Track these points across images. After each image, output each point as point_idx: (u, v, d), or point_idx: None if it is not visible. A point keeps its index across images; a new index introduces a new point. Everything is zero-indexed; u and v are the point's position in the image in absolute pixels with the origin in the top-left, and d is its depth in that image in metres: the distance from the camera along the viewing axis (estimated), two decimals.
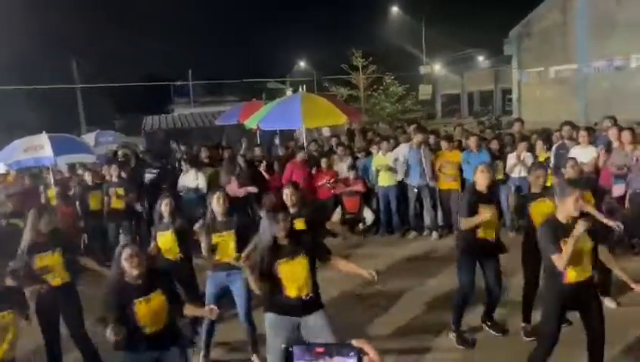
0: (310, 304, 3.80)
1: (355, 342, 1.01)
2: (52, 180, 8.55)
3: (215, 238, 4.66)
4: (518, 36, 25.15)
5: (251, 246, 4.14)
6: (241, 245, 4.55)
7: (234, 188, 8.09)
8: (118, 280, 3.57)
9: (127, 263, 3.51)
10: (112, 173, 8.24)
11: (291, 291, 3.75)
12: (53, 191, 8.36)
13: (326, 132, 9.80)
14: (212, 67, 35.21)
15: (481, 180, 4.83)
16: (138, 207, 8.48)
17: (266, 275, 3.77)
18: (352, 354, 0.98)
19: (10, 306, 3.54)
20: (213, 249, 4.67)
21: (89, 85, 29.95)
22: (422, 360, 4.67)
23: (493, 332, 4.99)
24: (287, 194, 5.16)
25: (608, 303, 5.26)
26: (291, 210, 4.74)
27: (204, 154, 9.49)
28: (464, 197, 5.09)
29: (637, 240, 6.79)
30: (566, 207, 3.71)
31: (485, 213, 4.64)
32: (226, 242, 4.67)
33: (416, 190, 8.36)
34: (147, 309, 3.51)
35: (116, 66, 31.12)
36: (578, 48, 21.97)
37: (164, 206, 5.21)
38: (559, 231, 3.68)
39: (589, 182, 5.70)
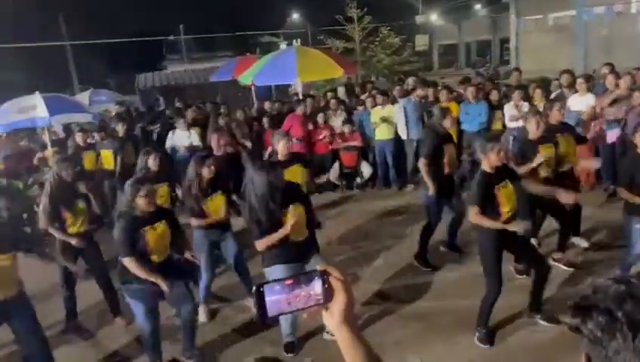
0: (309, 246, 4.07)
1: (318, 267, 1.10)
2: (48, 140, 8.49)
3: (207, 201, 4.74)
4: None
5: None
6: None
7: (214, 146, 8.03)
8: (129, 213, 3.86)
9: (143, 200, 3.80)
10: (98, 136, 8.21)
11: (293, 236, 3.91)
12: (50, 152, 8.31)
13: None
14: (203, 22, 34.23)
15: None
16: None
17: (270, 226, 3.86)
18: (316, 277, 1.07)
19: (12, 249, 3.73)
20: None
21: (78, 42, 29.23)
22: (419, 299, 4.83)
23: (447, 250, 5.82)
24: (283, 143, 4.89)
25: (580, 242, 5.62)
26: (284, 159, 4.87)
27: (190, 115, 9.25)
28: None
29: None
30: (490, 160, 3.93)
31: None
32: (217, 203, 4.77)
33: (415, 144, 8.32)
34: (155, 236, 3.84)
35: (105, 24, 30.26)
36: None
37: (151, 160, 5.39)
38: (490, 183, 3.95)
39: (570, 129, 5.51)
